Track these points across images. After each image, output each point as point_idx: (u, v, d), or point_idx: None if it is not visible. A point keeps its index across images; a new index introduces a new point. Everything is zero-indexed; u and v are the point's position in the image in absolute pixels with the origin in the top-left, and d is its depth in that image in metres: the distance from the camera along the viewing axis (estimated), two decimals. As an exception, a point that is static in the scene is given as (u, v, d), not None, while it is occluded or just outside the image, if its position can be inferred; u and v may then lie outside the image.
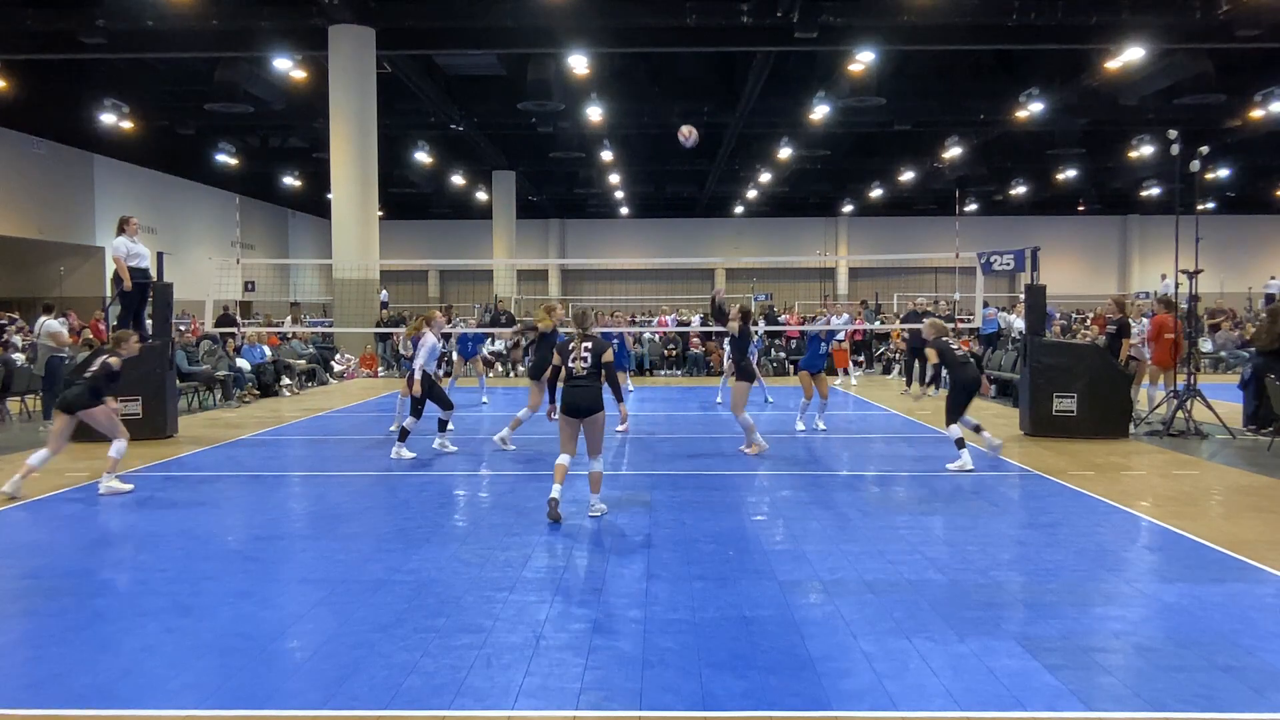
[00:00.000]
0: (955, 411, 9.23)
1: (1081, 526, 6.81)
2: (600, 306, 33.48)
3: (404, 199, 40.60)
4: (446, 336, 16.02)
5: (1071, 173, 34.27)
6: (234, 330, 18.06)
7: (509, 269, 38.01)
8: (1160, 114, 25.00)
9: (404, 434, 10.16)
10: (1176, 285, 12.77)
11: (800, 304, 36.50)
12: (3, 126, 24.92)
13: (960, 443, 9.15)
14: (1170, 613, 4.92)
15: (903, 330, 18.66)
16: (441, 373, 14.36)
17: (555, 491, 6.94)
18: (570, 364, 7.09)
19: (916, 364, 16.86)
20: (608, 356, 7.06)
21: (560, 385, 7.29)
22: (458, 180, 35.99)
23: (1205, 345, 22.13)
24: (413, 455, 9.99)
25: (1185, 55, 20.37)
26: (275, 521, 7.20)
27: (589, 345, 7.11)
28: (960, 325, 18.14)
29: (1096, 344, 12.55)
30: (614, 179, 36.35)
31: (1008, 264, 12.54)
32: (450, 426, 10.98)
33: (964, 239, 31.72)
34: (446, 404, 10.23)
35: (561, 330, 10.23)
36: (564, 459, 7.04)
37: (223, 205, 37.07)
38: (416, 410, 10.14)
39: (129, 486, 8.29)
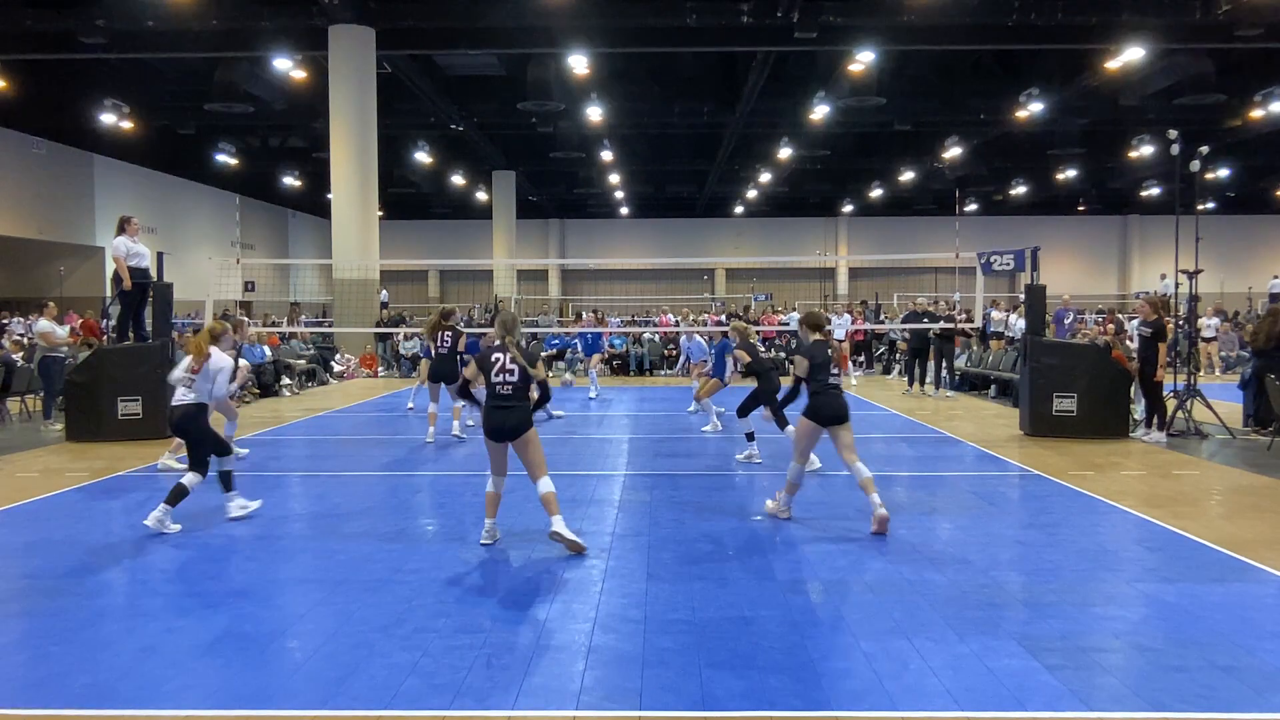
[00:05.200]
0: (745, 408, 9.73)
1: (1082, 526, 6.81)
2: (601, 306, 33.51)
3: (404, 199, 40.58)
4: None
5: (1071, 173, 34.26)
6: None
7: (509, 269, 38.03)
8: (1160, 114, 24.99)
9: None
10: (1176, 285, 12.77)
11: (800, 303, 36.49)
12: (3, 126, 24.91)
13: (750, 436, 9.77)
14: (1170, 613, 4.92)
15: (904, 331, 18.68)
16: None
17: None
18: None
19: (917, 364, 16.85)
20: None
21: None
22: (458, 180, 35.99)
23: (1214, 345, 22.10)
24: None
25: (1185, 55, 20.36)
26: (275, 521, 7.19)
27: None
28: (960, 324, 18.10)
29: (1096, 344, 12.55)
30: (614, 179, 36.34)
31: (1008, 264, 12.54)
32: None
33: (964, 239, 31.74)
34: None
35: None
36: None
37: (223, 205, 37.07)
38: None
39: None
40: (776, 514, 7.11)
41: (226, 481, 7.09)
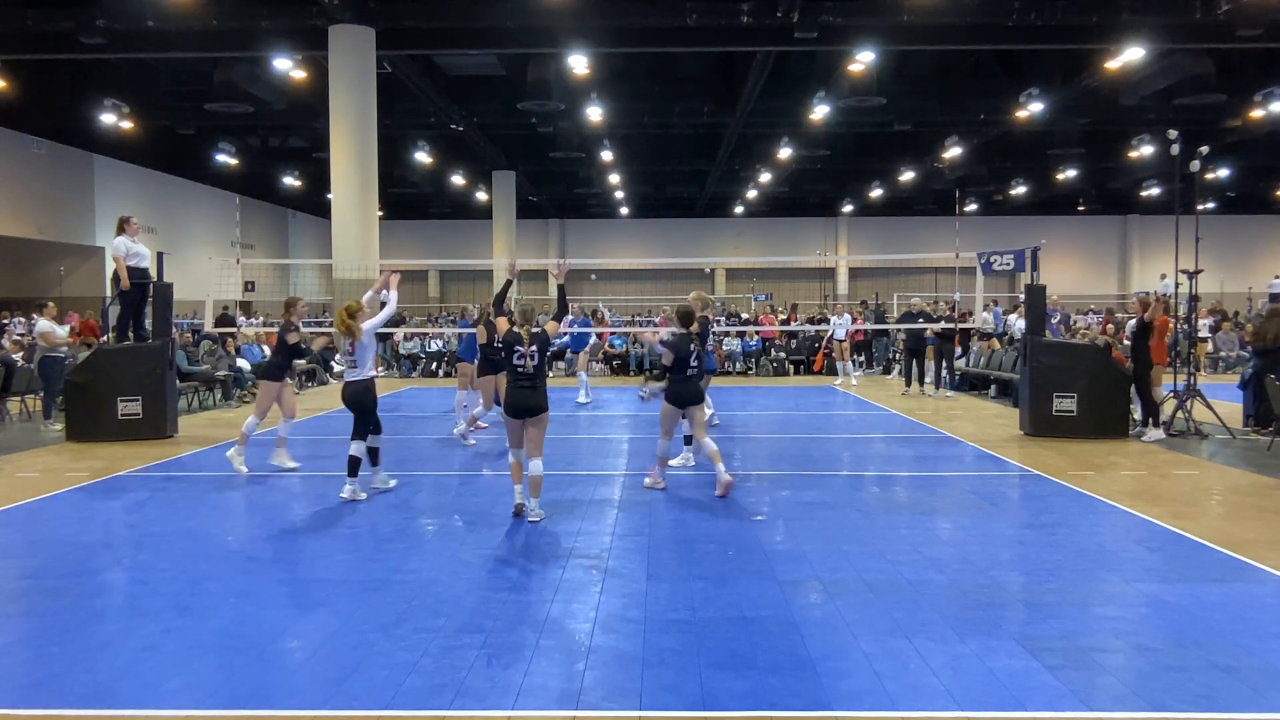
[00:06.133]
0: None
1: (1081, 526, 6.81)
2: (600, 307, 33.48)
3: (404, 199, 40.57)
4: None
5: (1071, 173, 34.25)
6: (234, 330, 18.08)
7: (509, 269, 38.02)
8: (1160, 114, 24.99)
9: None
10: (1176, 285, 12.78)
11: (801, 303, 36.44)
12: (3, 126, 24.91)
13: (688, 439, 9.24)
14: (1170, 613, 4.92)
15: (899, 331, 18.71)
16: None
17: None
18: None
19: (914, 364, 16.86)
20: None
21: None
22: (458, 180, 35.99)
23: (1206, 345, 22.10)
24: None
25: (1185, 55, 20.36)
26: (275, 521, 7.19)
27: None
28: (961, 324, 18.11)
29: (1096, 344, 12.55)
30: (614, 179, 36.34)
31: (1008, 264, 12.54)
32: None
33: (964, 239, 31.72)
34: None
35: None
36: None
37: (223, 205, 37.07)
38: None
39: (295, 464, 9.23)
40: (655, 486, 8.13)
41: (374, 456, 8.07)
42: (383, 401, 16.55)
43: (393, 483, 8.32)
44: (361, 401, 7.84)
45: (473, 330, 11.96)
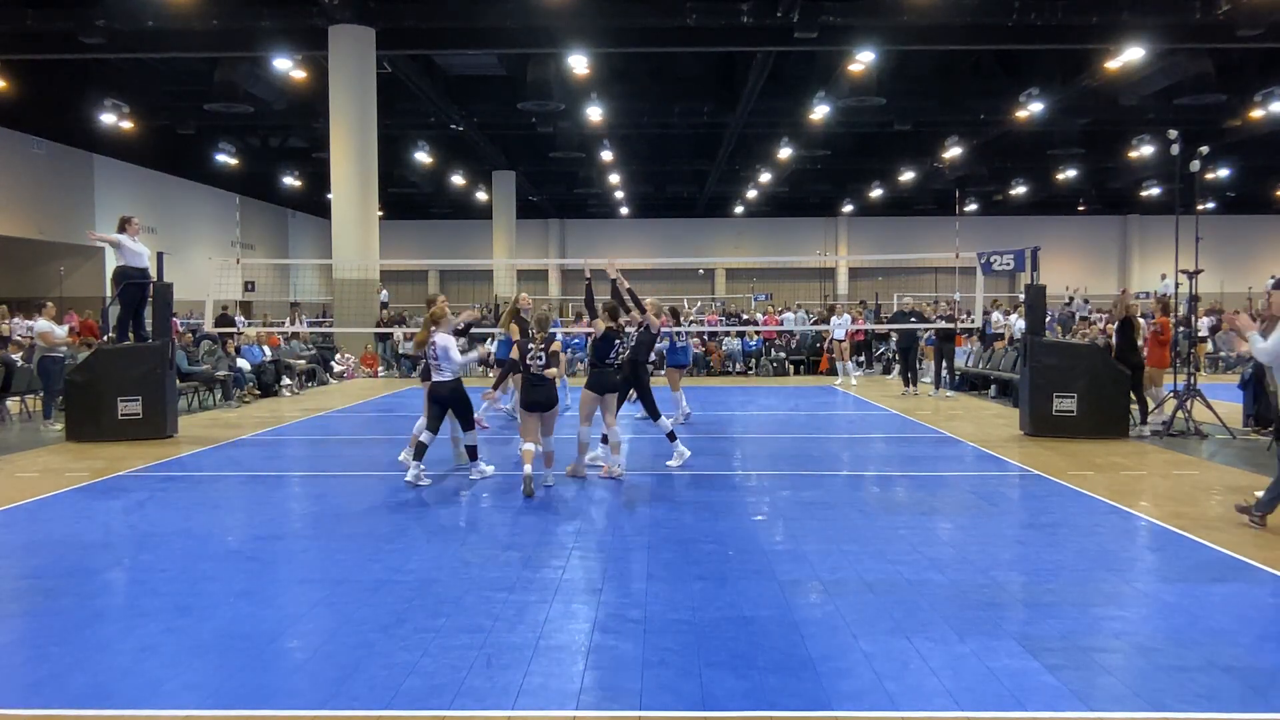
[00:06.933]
0: (650, 408, 9.64)
1: (1081, 526, 6.80)
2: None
3: (404, 199, 40.59)
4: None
5: (1071, 173, 34.27)
6: (234, 330, 18.07)
7: (509, 269, 38.03)
8: (1160, 114, 25.01)
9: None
10: (1176, 285, 12.78)
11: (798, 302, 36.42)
12: (3, 126, 24.91)
13: (671, 436, 9.47)
14: (1170, 613, 4.92)
15: (892, 330, 18.74)
16: None
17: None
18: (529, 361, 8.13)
19: (907, 364, 16.86)
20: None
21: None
22: (458, 180, 36.00)
23: (1205, 345, 22.11)
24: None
25: (1185, 55, 20.38)
26: (275, 521, 7.19)
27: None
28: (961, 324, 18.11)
29: (1096, 344, 12.54)
30: (614, 179, 36.35)
31: (1008, 264, 12.55)
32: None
33: (964, 239, 31.71)
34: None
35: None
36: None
37: (223, 205, 37.08)
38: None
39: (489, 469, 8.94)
40: (576, 473, 8.63)
41: (472, 453, 8.66)
42: (383, 402, 16.63)
43: (490, 469, 8.80)
44: (443, 398, 8.49)
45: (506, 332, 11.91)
